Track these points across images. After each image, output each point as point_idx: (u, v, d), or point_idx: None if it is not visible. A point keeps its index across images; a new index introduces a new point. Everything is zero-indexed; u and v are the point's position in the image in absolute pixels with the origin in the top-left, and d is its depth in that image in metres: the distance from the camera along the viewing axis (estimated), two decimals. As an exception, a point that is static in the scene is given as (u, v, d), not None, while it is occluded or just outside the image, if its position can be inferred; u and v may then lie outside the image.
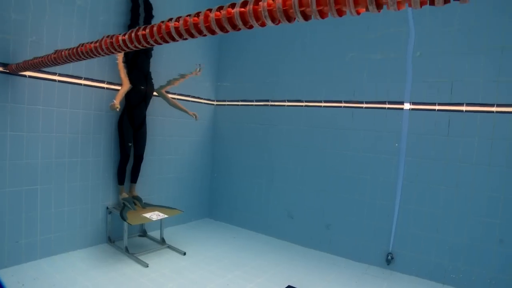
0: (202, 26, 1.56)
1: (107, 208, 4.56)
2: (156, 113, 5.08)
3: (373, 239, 4.55)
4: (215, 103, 6.27)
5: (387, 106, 4.44)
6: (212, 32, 1.58)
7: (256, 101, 5.70)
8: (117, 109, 3.84)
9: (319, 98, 4.99)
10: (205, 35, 1.64)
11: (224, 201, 6.14)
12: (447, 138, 4.08)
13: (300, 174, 5.18)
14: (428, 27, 4.14)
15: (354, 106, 4.69)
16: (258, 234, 5.55)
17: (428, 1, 1.10)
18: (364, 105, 4.60)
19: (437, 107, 4.13)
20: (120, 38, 1.93)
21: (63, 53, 2.46)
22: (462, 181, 3.99)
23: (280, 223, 5.38)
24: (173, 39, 1.74)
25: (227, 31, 1.53)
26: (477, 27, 3.85)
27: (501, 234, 3.78)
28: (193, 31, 1.61)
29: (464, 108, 3.99)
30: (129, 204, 4.46)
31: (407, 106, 4.32)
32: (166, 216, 4.41)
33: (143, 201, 4.73)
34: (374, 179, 4.53)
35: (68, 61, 2.50)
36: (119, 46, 1.96)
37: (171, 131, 5.41)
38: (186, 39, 1.71)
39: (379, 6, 1.16)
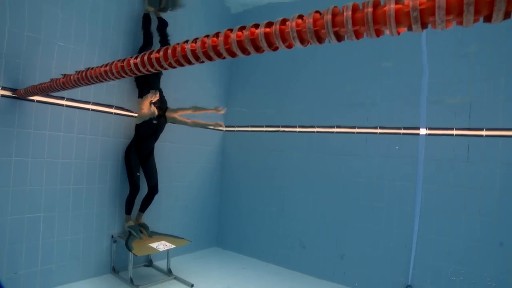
0: (221, 48, 1.45)
1: (112, 236, 4.38)
2: (163, 139, 4.96)
3: (390, 270, 4.29)
4: (224, 128, 6.17)
5: (402, 131, 4.30)
6: (233, 55, 1.47)
7: (266, 126, 5.58)
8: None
9: (331, 123, 4.86)
10: (224, 58, 1.53)
11: (233, 230, 5.91)
12: (466, 164, 3.91)
13: (312, 202, 4.98)
14: (442, 51, 4.05)
15: (368, 131, 4.55)
16: (268, 264, 5.29)
17: (481, 19, 0.98)
18: (378, 131, 4.46)
19: (455, 132, 3.98)
20: (132, 61, 1.83)
21: (72, 77, 2.38)
22: (485, 209, 3.78)
23: (292, 253, 5.13)
24: (189, 63, 1.63)
25: (249, 53, 1.42)
26: (494, 49, 3.76)
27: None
28: (212, 54, 1.50)
29: (484, 132, 3.84)
30: (135, 232, 4.29)
31: (423, 131, 4.17)
32: (173, 246, 4.22)
33: (150, 229, 4.54)
34: (390, 207, 4.33)
35: (77, 85, 2.42)
36: (131, 70, 1.87)
37: (178, 157, 5.28)
38: (203, 62, 1.60)
39: (423, 26, 1.04)
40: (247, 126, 5.86)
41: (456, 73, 3.97)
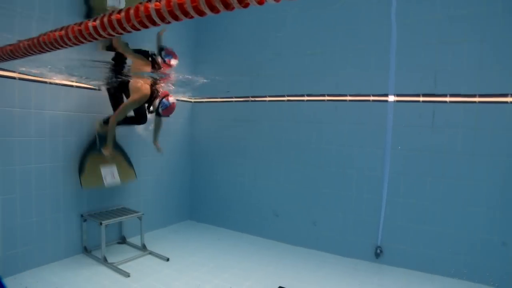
0: (188, 6, 1.34)
1: (82, 215, 4.23)
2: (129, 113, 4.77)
3: (361, 233, 4.48)
4: (192, 100, 6.00)
5: (371, 98, 4.36)
6: (201, 13, 1.37)
7: (236, 96, 5.48)
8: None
9: (301, 92, 4.84)
10: (191, 17, 1.42)
11: (206, 202, 5.90)
12: (431, 129, 4.05)
13: (284, 171, 5.03)
14: (410, 16, 4.06)
15: (338, 99, 4.57)
16: (243, 234, 5.36)
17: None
18: (348, 98, 4.50)
19: (421, 98, 4.09)
20: (90, 24, 1.67)
21: (21, 44, 2.16)
22: (448, 172, 3.97)
23: (266, 222, 5.22)
24: (154, 23, 1.50)
25: (218, 11, 1.32)
26: (458, 15, 3.82)
27: (487, 221, 3.80)
28: (178, 13, 1.39)
29: (448, 99, 3.96)
30: (98, 140, 4.17)
31: (391, 98, 4.25)
32: (118, 181, 4.27)
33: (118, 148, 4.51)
34: (360, 173, 4.44)
35: (28, 53, 2.20)
36: (90, 34, 1.71)
37: (145, 131, 5.10)
38: (169, 22, 1.48)
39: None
40: (217, 97, 5.73)
41: (422, 40, 4.02)
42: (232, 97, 5.52)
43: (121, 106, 3.89)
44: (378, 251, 4.34)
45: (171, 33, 4.57)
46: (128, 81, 3.97)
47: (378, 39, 4.25)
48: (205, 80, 4.56)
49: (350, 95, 4.47)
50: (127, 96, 4.05)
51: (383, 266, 4.31)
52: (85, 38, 1.77)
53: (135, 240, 4.70)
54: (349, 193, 4.52)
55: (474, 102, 3.83)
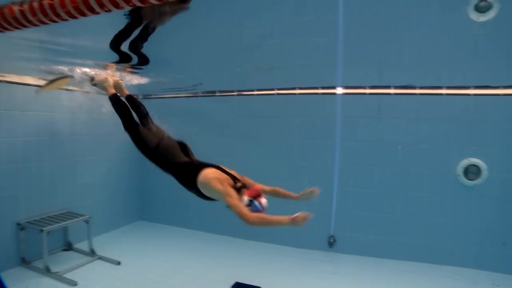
0: (130, -8, 1.25)
1: (18, 224, 3.86)
2: (73, 109, 4.45)
3: (314, 224, 4.50)
4: (140, 96, 5.73)
5: (320, 91, 4.46)
6: (144, 2, 1.29)
7: (185, 92, 5.33)
8: None
9: (251, 86, 4.82)
10: (133, 6, 1.33)
11: (158, 201, 5.70)
12: (377, 120, 4.25)
13: (236, 165, 4.92)
14: (356, 10, 4.19)
15: (287, 93, 4.63)
16: (198, 232, 5.26)
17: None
18: (298, 91, 4.56)
19: (367, 90, 4.27)
20: (16, 8, 1.49)
21: None
22: (394, 161, 4.20)
23: (220, 218, 5.10)
24: (92, 11, 1.39)
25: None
26: (399, 11, 4.01)
27: (431, 205, 4.08)
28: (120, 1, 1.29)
29: (392, 91, 4.18)
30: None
31: (339, 90, 4.38)
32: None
33: None
34: (312, 165, 4.53)
35: None
36: (16, 19, 1.53)
37: (91, 129, 4.80)
38: (109, 10, 1.37)
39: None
40: (166, 94, 5.54)
41: (368, 34, 4.17)
42: (180, 93, 5.36)
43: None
44: (331, 240, 4.49)
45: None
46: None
47: (325, 33, 4.33)
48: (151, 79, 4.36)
49: (300, 88, 4.54)
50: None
51: (337, 254, 4.46)
52: (10, 24, 1.58)
53: (83, 245, 4.40)
54: (301, 185, 4.58)
55: (415, 94, 4.09)
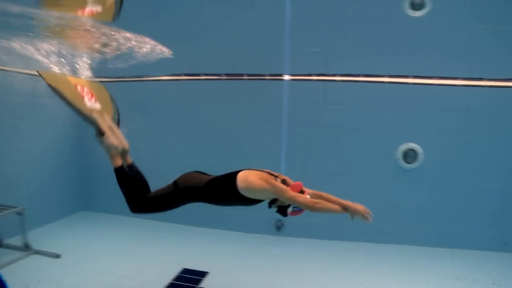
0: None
1: None
2: (4, 93, 4.04)
3: (262, 209, 4.58)
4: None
5: (267, 77, 4.47)
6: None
7: (129, 76, 5.04)
8: None
9: (198, 71, 4.70)
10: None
11: (102, 190, 5.38)
12: (324, 106, 4.37)
13: (184, 151, 4.87)
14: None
15: (235, 78, 4.57)
16: (146, 220, 5.07)
17: None
18: (245, 77, 4.53)
19: (314, 77, 4.36)
20: None
21: None
22: (339, 145, 4.37)
23: (169, 206, 5.04)
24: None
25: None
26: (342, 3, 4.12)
27: (374, 188, 4.31)
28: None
29: (338, 78, 4.30)
30: None
31: (286, 77, 4.42)
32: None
33: None
34: (259, 150, 4.55)
35: None
36: None
37: (25, 113, 4.40)
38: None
39: None
40: (109, 77, 5.20)
41: (315, 23, 4.23)
42: (125, 77, 5.06)
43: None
44: (279, 224, 4.59)
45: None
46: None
47: (273, 20, 4.32)
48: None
49: (247, 75, 4.51)
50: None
51: (285, 238, 4.58)
52: None
53: (16, 240, 4.04)
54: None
55: (360, 81, 4.25)
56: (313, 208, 2.41)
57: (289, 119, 4.43)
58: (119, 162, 2.81)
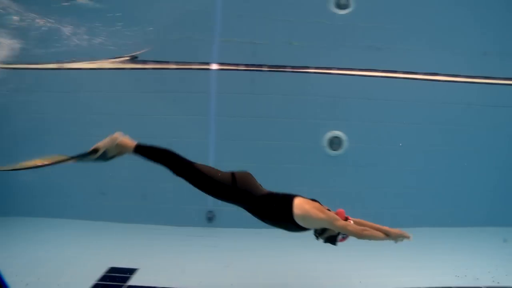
0: None
1: None
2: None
3: (191, 201, 4.49)
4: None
5: (194, 66, 4.34)
6: None
7: (45, 63, 4.53)
8: None
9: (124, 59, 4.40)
10: None
11: (15, 191, 4.77)
12: (252, 96, 4.38)
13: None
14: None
15: (160, 67, 4.38)
16: (68, 220, 4.64)
17: None
18: (173, 66, 4.34)
19: (242, 67, 4.33)
20: None
21: None
22: (267, 135, 4.42)
23: (93, 203, 4.67)
24: None
25: None
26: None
27: (298, 175, 4.45)
28: None
29: (265, 68, 4.33)
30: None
31: (214, 66, 4.33)
32: None
33: None
34: (187, 141, 4.37)
35: None
36: None
37: None
38: None
39: None
40: (22, 63, 4.60)
41: (243, 13, 4.22)
42: (42, 63, 4.53)
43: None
44: (210, 215, 4.52)
45: None
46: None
47: (203, 9, 4.21)
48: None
49: (175, 63, 4.33)
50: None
51: (216, 229, 4.52)
52: None
53: None
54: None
55: (286, 71, 4.32)
56: (361, 236, 2.46)
57: (217, 109, 4.35)
58: (128, 142, 2.69)
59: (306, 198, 2.57)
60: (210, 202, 4.48)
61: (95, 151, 2.60)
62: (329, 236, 2.56)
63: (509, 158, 4.76)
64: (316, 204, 2.53)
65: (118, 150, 2.67)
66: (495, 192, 4.69)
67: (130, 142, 2.69)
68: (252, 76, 4.33)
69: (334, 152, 4.44)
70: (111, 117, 4.46)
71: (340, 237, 2.54)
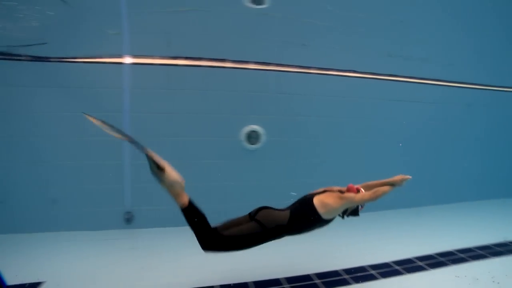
0: None
1: None
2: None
3: (107, 203, 4.26)
4: None
5: (106, 60, 4.05)
6: None
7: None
8: None
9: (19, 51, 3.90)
10: None
11: None
12: (168, 91, 4.24)
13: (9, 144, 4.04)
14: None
15: (68, 61, 3.99)
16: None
17: None
18: (79, 60, 4.00)
19: (157, 61, 4.16)
20: None
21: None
22: (184, 131, 4.32)
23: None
24: None
25: None
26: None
27: (216, 171, 4.44)
28: None
29: (181, 62, 4.21)
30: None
31: (127, 60, 4.09)
32: None
33: None
34: (100, 139, 4.10)
35: None
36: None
37: None
38: None
39: None
40: None
41: (155, 3, 4.03)
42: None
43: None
44: (128, 216, 4.30)
45: None
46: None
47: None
48: None
49: (80, 57, 4.00)
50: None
51: (136, 230, 4.31)
52: None
53: None
54: (90, 163, 4.16)
55: (202, 66, 4.25)
56: (375, 199, 2.74)
57: (131, 105, 4.12)
58: (185, 198, 2.59)
59: (317, 193, 2.77)
60: (128, 202, 4.27)
61: (161, 168, 2.52)
62: (352, 211, 2.85)
63: (405, 142, 5.39)
64: (329, 193, 2.74)
65: (169, 188, 2.57)
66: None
67: (184, 195, 2.62)
68: (167, 71, 4.17)
69: (252, 146, 4.51)
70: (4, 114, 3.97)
71: (360, 207, 2.85)
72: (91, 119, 2.51)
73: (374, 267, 3.53)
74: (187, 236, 4.10)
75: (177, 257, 3.69)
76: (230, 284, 3.14)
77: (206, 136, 4.36)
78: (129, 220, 4.31)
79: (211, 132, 4.38)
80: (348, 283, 3.18)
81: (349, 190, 2.86)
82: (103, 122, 2.54)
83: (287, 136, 4.73)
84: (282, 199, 4.68)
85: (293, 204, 2.78)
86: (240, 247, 2.60)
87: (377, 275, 3.35)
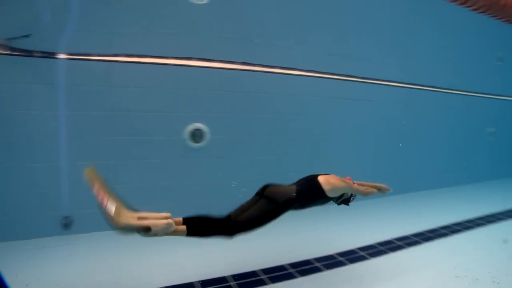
0: None
1: None
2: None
3: (41, 208, 3.98)
4: None
5: (38, 54, 3.79)
6: None
7: None
8: None
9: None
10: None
11: None
12: (108, 89, 4.08)
13: None
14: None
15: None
16: None
17: None
18: (10, 52, 3.70)
19: (95, 57, 3.97)
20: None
21: None
22: (125, 130, 4.20)
23: None
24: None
25: None
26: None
27: (160, 170, 4.40)
28: None
29: (122, 58, 4.07)
30: None
31: (62, 56, 3.86)
32: None
33: None
34: (31, 141, 3.86)
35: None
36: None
37: None
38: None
39: None
40: None
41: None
42: None
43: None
44: (66, 221, 4.07)
45: None
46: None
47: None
48: None
49: (10, 49, 3.69)
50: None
51: (75, 235, 4.08)
52: None
53: None
54: (18, 166, 3.86)
55: (143, 63, 4.15)
56: (366, 194, 3.26)
57: (68, 103, 3.90)
58: (181, 228, 2.44)
59: (321, 174, 3.06)
60: (65, 205, 4.03)
61: (146, 229, 2.24)
62: (344, 199, 3.19)
63: (352, 138, 5.74)
64: (332, 174, 3.07)
65: (166, 234, 2.37)
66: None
67: (179, 227, 2.44)
68: (107, 68, 4.00)
69: (196, 144, 4.50)
70: None
71: (352, 198, 3.23)
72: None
73: (362, 249, 4.00)
74: (124, 239, 4.02)
75: (115, 260, 3.59)
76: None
77: (148, 135, 4.26)
78: (67, 225, 4.09)
79: (154, 131, 4.29)
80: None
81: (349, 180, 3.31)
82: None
83: (232, 133, 4.77)
84: (228, 197, 4.74)
85: (298, 181, 3.02)
86: (259, 225, 2.70)
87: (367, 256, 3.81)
